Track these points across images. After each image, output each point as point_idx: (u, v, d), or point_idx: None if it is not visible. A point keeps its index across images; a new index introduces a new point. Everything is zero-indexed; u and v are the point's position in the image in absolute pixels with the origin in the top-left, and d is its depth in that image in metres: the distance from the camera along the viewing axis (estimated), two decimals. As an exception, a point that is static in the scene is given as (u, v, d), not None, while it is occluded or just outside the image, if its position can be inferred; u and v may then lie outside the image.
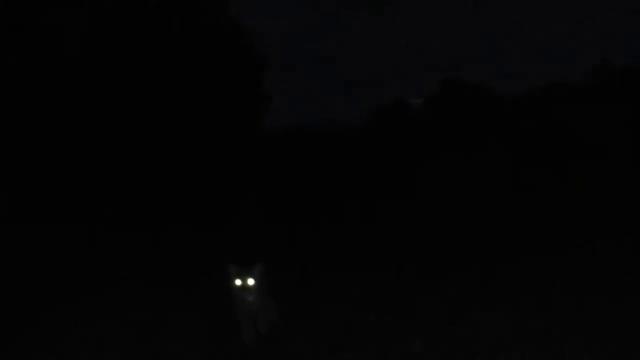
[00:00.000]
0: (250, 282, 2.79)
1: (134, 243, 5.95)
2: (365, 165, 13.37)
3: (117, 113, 8.66)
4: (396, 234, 5.58)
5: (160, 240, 6.01)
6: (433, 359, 2.66)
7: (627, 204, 5.99)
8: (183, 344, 3.06)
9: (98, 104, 8.53)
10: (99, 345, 3.14)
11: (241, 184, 8.32)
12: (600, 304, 3.14)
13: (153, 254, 5.38)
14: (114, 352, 3.03)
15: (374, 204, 7.66)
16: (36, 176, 7.83)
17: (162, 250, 5.56)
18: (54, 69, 8.22)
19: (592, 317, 2.96)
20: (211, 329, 3.24)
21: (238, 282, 2.78)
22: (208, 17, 9.52)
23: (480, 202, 7.01)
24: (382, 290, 3.73)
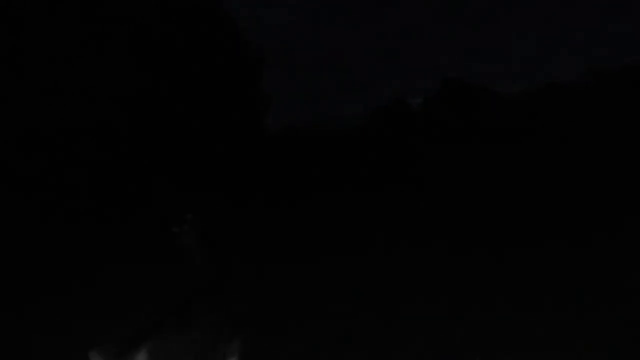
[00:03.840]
0: None
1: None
2: (365, 165, 13.32)
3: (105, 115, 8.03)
4: (395, 233, 5.57)
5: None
6: (433, 359, 2.66)
7: (629, 203, 5.97)
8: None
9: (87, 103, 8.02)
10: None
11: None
12: (602, 305, 3.14)
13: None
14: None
15: (372, 202, 7.64)
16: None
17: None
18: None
19: (593, 317, 2.96)
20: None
21: None
22: (204, 11, 9.31)
23: (481, 201, 7.00)
24: (382, 290, 3.73)
